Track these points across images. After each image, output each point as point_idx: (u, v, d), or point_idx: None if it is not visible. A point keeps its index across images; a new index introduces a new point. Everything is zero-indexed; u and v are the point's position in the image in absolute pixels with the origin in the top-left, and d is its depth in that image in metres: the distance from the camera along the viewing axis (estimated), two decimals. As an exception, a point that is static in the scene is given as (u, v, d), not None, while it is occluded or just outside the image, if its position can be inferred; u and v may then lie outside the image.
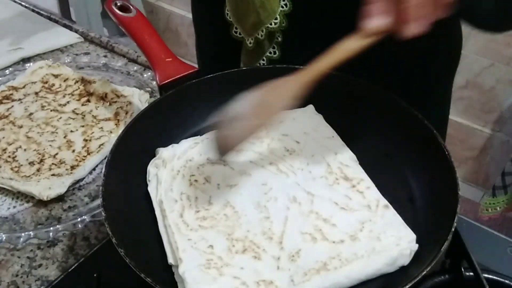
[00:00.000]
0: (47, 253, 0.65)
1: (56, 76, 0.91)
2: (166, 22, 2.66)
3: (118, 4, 0.75)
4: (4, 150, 0.76)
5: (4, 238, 0.65)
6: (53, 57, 0.99)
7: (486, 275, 0.55)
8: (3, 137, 0.78)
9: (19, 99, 0.86)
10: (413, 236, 0.51)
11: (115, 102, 0.85)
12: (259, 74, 0.70)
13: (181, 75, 0.68)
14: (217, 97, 0.68)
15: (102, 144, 0.77)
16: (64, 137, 0.78)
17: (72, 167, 0.73)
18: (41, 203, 0.70)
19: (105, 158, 0.66)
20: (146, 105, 0.81)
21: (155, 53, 0.70)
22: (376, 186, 0.57)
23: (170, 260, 0.51)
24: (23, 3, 1.16)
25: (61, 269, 0.62)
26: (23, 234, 0.65)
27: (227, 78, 0.69)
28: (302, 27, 0.70)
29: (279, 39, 0.72)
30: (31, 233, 0.65)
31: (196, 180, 0.58)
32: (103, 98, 0.86)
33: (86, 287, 0.56)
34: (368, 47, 0.50)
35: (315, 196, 0.56)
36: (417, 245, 0.51)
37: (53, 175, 0.72)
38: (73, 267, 0.59)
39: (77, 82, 0.89)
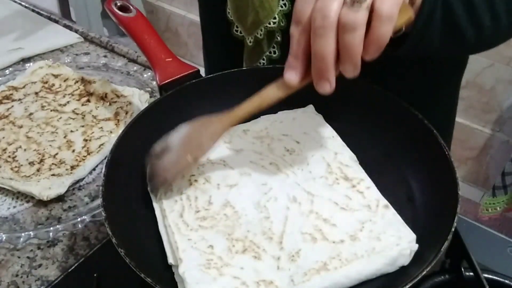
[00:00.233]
0: (47, 253, 0.65)
1: (56, 76, 0.91)
2: (166, 22, 2.66)
3: (118, 4, 0.75)
4: (4, 150, 0.76)
5: (4, 238, 0.65)
6: (53, 57, 0.99)
7: (486, 275, 0.55)
8: (3, 137, 0.78)
9: (19, 99, 0.86)
10: (413, 236, 0.51)
11: (115, 102, 0.85)
12: (259, 74, 0.70)
13: (181, 75, 0.68)
14: (217, 97, 0.69)
15: (102, 144, 0.77)
16: (64, 137, 0.78)
17: (72, 167, 0.73)
18: (41, 203, 0.70)
19: (105, 158, 0.66)
20: (146, 105, 0.81)
21: (155, 53, 0.70)
22: (376, 186, 0.57)
23: (170, 260, 0.51)
24: (23, 3, 1.16)
25: (61, 269, 0.62)
26: (23, 234, 0.65)
27: (227, 78, 0.69)
28: None
29: (279, 38, 0.72)
30: (31, 233, 0.65)
31: (196, 180, 0.58)
32: (103, 98, 0.86)
33: (86, 287, 0.55)
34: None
35: (315, 196, 0.56)
36: (417, 245, 0.51)
37: (53, 175, 0.72)
38: (73, 267, 0.59)
39: (77, 82, 0.89)
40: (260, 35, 0.72)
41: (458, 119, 0.90)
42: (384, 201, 0.55)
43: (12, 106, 0.84)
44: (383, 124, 0.63)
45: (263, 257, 0.50)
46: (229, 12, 0.74)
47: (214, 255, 0.50)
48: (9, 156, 0.75)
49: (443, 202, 0.53)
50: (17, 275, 0.62)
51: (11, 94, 0.87)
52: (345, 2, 0.45)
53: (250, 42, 0.73)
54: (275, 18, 0.69)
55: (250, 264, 0.49)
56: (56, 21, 1.11)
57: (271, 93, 0.52)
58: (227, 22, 0.75)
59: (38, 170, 0.72)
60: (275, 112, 0.66)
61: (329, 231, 0.52)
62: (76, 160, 0.74)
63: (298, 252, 0.50)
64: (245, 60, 0.77)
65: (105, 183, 0.55)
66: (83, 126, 0.80)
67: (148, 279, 0.45)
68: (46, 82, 0.89)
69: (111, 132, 0.79)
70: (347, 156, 0.60)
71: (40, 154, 0.75)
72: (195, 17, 2.49)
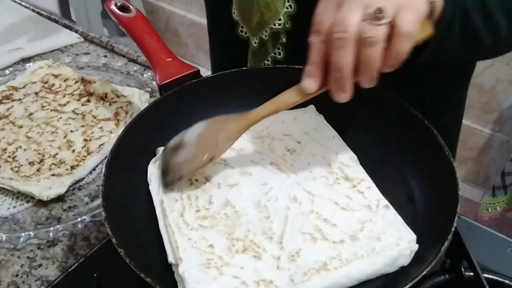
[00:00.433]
0: (47, 253, 0.65)
1: (56, 76, 0.91)
2: (166, 22, 2.66)
3: (118, 4, 0.75)
4: (4, 150, 0.76)
5: (4, 238, 0.65)
6: (53, 57, 0.99)
7: (486, 275, 0.55)
8: (3, 137, 0.78)
9: (19, 99, 0.86)
10: (413, 236, 0.51)
11: (115, 102, 0.85)
12: (259, 74, 0.71)
13: (181, 75, 0.68)
14: (217, 97, 0.69)
15: (102, 144, 0.77)
16: (64, 137, 0.78)
17: (72, 167, 0.73)
18: (41, 203, 0.70)
19: (105, 158, 0.66)
20: (146, 105, 0.81)
21: (155, 53, 0.70)
22: (376, 186, 0.57)
23: (170, 259, 0.51)
24: (23, 3, 1.16)
25: (61, 269, 0.62)
26: (23, 234, 0.65)
27: (227, 78, 0.69)
28: (306, 28, 0.70)
29: (284, 40, 0.72)
30: (31, 233, 0.65)
31: (196, 180, 0.58)
32: (103, 98, 0.86)
33: (86, 287, 0.55)
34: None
35: (316, 196, 0.56)
36: (417, 245, 0.51)
37: (53, 175, 0.72)
38: (73, 267, 0.59)
39: (77, 82, 0.89)
40: (265, 36, 0.72)
41: (458, 119, 0.90)
42: (384, 201, 0.55)
43: (12, 106, 0.84)
44: (383, 124, 0.63)
45: (263, 256, 0.50)
46: (234, 12, 0.74)
47: (214, 254, 0.50)
48: (9, 156, 0.75)
49: (443, 202, 0.53)
50: (17, 275, 0.62)
51: (11, 94, 0.87)
52: (366, 15, 0.45)
53: (255, 43, 0.73)
54: (280, 19, 0.69)
55: (250, 264, 0.49)
56: (56, 21, 1.11)
57: (288, 98, 0.53)
58: (232, 23, 0.75)
59: (38, 170, 0.72)
60: (275, 112, 0.66)
61: (329, 231, 0.52)
62: (76, 160, 0.74)
63: (298, 252, 0.50)
64: (249, 60, 0.77)
65: (105, 183, 0.55)
66: (83, 126, 0.80)
67: (148, 279, 0.45)
68: (46, 82, 0.89)
69: (111, 132, 0.79)
70: (347, 156, 0.60)
71: (40, 154, 0.75)
72: (195, 17, 2.49)
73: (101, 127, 0.80)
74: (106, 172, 0.56)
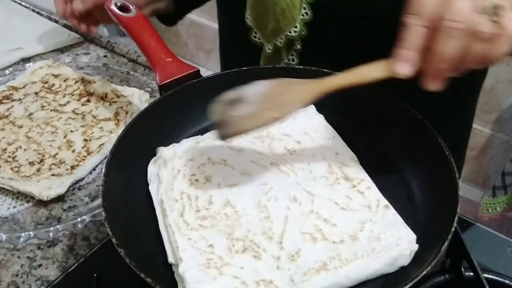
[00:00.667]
0: (47, 253, 0.65)
1: (56, 76, 0.91)
2: (166, 22, 2.66)
3: (118, 4, 0.75)
4: (4, 150, 0.76)
5: (4, 238, 0.65)
6: (53, 57, 0.99)
7: (486, 275, 0.54)
8: (3, 137, 0.78)
9: (19, 99, 0.86)
10: (413, 236, 0.51)
11: (115, 102, 0.85)
12: (259, 74, 0.70)
13: (181, 75, 0.68)
14: (217, 97, 0.69)
15: (102, 144, 0.77)
16: (64, 137, 0.78)
17: (72, 167, 0.73)
18: (41, 203, 0.70)
19: (105, 158, 0.66)
20: (146, 105, 0.81)
21: (155, 53, 0.70)
22: (376, 186, 0.57)
23: (170, 259, 0.51)
24: (23, 3, 1.16)
25: (61, 269, 0.62)
26: (23, 234, 0.65)
27: (227, 78, 0.69)
28: (322, 36, 0.69)
29: (298, 46, 0.71)
30: (31, 233, 0.65)
31: (196, 180, 0.58)
32: (103, 98, 0.86)
33: (86, 287, 0.55)
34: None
35: (316, 196, 0.56)
36: (417, 245, 0.51)
37: (53, 175, 0.72)
38: (73, 267, 0.59)
39: (77, 82, 0.89)
40: (280, 43, 0.71)
41: (458, 119, 0.90)
42: (384, 201, 0.55)
43: (12, 106, 0.84)
44: (383, 124, 0.63)
45: (263, 256, 0.50)
46: (247, 18, 0.73)
47: (214, 254, 0.50)
48: (9, 156, 0.75)
49: (443, 202, 0.53)
50: (17, 275, 0.62)
51: (11, 94, 0.87)
52: (481, 9, 0.44)
53: (269, 49, 0.72)
54: (296, 26, 0.68)
55: (250, 264, 0.49)
56: (56, 21, 1.11)
57: (371, 72, 0.51)
58: (245, 27, 0.74)
59: (38, 170, 0.72)
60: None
61: (329, 231, 0.52)
62: (76, 160, 0.74)
63: (298, 252, 0.50)
64: (261, 65, 0.76)
65: (105, 183, 0.55)
66: (83, 126, 0.80)
67: (148, 279, 0.45)
68: (46, 82, 0.89)
69: (111, 132, 0.79)
70: (347, 156, 0.60)
71: (40, 154, 0.75)
72: (195, 17, 2.49)
73: (101, 127, 0.80)
74: (106, 172, 0.56)
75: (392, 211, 0.54)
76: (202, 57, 2.61)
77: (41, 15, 1.13)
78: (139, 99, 0.85)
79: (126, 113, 0.82)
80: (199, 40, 2.55)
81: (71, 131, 0.79)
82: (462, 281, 0.55)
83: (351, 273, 0.49)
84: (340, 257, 0.49)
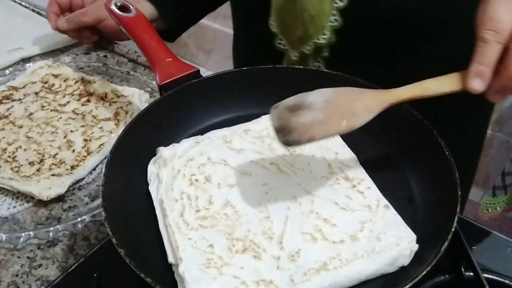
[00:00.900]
0: (47, 253, 0.65)
1: (56, 76, 0.91)
2: (166, 22, 2.65)
3: (118, 4, 0.75)
4: (4, 150, 0.76)
5: (4, 238, 0.65)
6: (53, 57, 0.99)
7: (486, 275, 0.54)
8: (3, 137, 0.78)
9: (19, 99, 0.86)
10: (413, 236, 0.51)
11: (115, 102, 0.85)
12: (259, 74, 0.70)
13: (181, 75, 0.68)
14: (217, 97, 0.69)
15: (102, 144, 0.77)
16: (64, 137, 0.78)
17: (72, 167, 0.73)
18: (41, 203, 0.70)
19: (105, 158, 0.66)
20: (146, 105, 0.81)
21: (155, 53, 0.70)
22: (376, 186, 0.57)
23: (170, 259, 0.51)
24: (23, 3, 1.16)
25: (61, 269, 0.62)
26: (23, 234, 0.65)
27: (227, 78, 0.69)
28: (350, 43, 0.68)
29: (326, 53, 0.70)
30: (31, 233, 0.65)
31: (196, 180, 0.58)
32: (103, 98, 0.86)
33: (86, 287, 0.55)
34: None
35: (316, 196, 0.56)
36: (417, 245, 0.51)
37: (53, 175, 0.71)
38: (73, 267, 0.59)
39: (77, 82, 0.89)
40: (308, 50, 0.70)
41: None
42: (384, 201, 0.55)
43: (12, 106, 0.84)
44: (383, 124, 0.63)
45: (263, 256, 0.50)
46: (272, 24, 0.71)
47: (214, 254, 0.50)
48: (9, 156, 0.75)
49: (443, 202, 0.53)
50: (17, 275, 0.62)
51: (11, 94, 0.87)
52: None
53: (294, 56, 0.71)
54: (325, 33, 0.67)
55: (250, 264, 0.49)
56: (56, 21, 1.11)
57: (437, 85, 0.51)
58: (266, 34, 0.73)
59: (38, 170, 0.72)
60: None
61: (329, 231, 0.52)
62: (76, 160, 0.74)
63: (298, 252, 0.50)
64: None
65: (105, 183, 0.55)
66: (83, 126, 0.80)
67: (148, 279, 0.45)
68: (46, 82, 0.89)
69: (111, 132, 0.79)
70: (347, 156, 0.60)
71: (40, 154, 0.75)
72: (195, 17, 2.48)
73: (101, 127, 0.80)
74: (106, 172, 0.56)
75: (392, 211, 0.54)
76: (202, 57, 2.61)
77: (41, 15, 1.13)
78: (139, 99, 0.85)
79: (126, 113, 0.82)
80: (199, 40, 2.55)
81: (71, 131, 0.79)
82: (462, 281, 0.55)
83: (351, 273, 0.49)
84: (340, 257, 0.49)
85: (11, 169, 0.72)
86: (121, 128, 0.78)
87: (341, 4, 0.65)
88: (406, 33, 0.67)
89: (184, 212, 0.54)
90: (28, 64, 0.96)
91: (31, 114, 0.83)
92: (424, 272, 0.45)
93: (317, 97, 0.52)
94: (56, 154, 0.75)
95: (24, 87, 0.88)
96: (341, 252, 0.50)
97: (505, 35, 0.46)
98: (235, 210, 0.54)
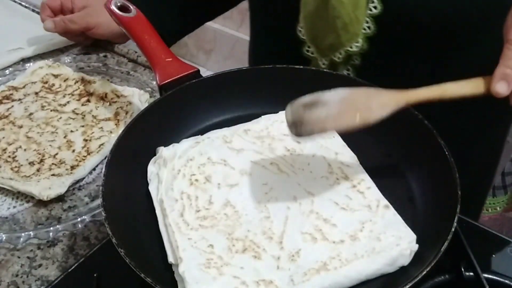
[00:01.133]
0: (47, 253, 0.65)
1: (56, 76, 0.91)
2: (166, 22, 2.65)
3: (118, 4, 0.75)
4: (4, 150, 0.76)
5: (4, 238, 0.65)
6: (53, 57, 0.99)
7: (486, 275, 0.54)
8: (3, 137, 0.78)
9: (19, 99, 0.86)
10: (413, 236, 0.51)
11: (115, 102, 0.85)
12: (259, 74, 0.70)
13: (181, 75, 0.68)
14: (217, 97, 0.69)
15: (102, 144, 0.77)
16: (64, 137, 0.78)
17: (72, 167, 0.73)
18: (41, 203, 0.70)
19: (105, 158, 0.66)
20: (146, 105, 0.81)
21: (155, 53, 0.70)
22: (376, 186, 0.57)
23: (170, 259, 0.51)
24: (23, 3, 1.16)
25: (61, 269, 0.62)
26: (23, 234, 0.65)
27: (227, 78, 0.69)
28: (382, 51, 0.67)
29: (357, 61, 0.69)
30: (31, 233, 0.65)
31: (196, 180, 0.58)
32: (103, 98, 0.86)
33: (86, 287, 0.55)
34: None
35: (316, 196, 0.56)
36: (417, 245, 0.51)
37: (53, 175, 0.71)
38: (73, 267, 0.59)
39: (77, 82, 0.89)
40: (339, 58, 0.68)
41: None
42: (384, 201, 0.55)
43: (12, 106, 0.84)
44: (383, 124, 0.63)
45: (263, 256, 0.50)
46: (300, 31, 0.70)
47: (214, 254, 0.50)
48: (9, 156, 0.75)
49: (443, 202, 0.53)
50: (17, 275, 0.62)
51: (11, 94, 0.87)
52: None
53: (323, 64, 0.70)
54: (357, 41, 0.66)
55: (250, 264, 0.49)
56: (56, 21, 1.11)
57: (457, 88, 0.51)
58: (292, 40, 0.71)
59: (38, 170, 0.72)
60: (276, 112, 0.66)
61: (329, 231, 0.52)
62: (76, 160, 0.74)
63: (298, 252, 0.50)
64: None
65: (105, 183, 0.55)
66: (83, 126, 0.80)
67: (148, 279, 0.45)
68: (46, 82, 0.89)
69: (111, 132, 0.79)
70: (347, 156, 0.60)
71: (40, 154, 0.75)
72: (195, 17, 2.48)
73: (101, 127, 0.80)
74: (106, 172, 0.56)
75: (392, 211, 0.54)
76: (202, 57, 2.61)
77: (40, 8, 1.13)
78: (139, 99, 0.85)
79: (126, 113, 0.82)
80: (199, 40, 2.55)
81: (71, 131, 0.79)
82: (462, 281, 0.55)
83: (351, 273, 0.49)
84: (340, 257, 0.49)
85: (11, 169, 0.73)
86: (121, 128, 0.78)
87: (375, 11, 0.64)
88: (438, 41, 0.66)
89: (184, 212, 0.54)
90: (28, 64, 0.96)
91: (31, 114, 0.83)
92: (424, 272, 0.45)
93: (334, 95, 0.52)
94: (56, 154, 0.75)
95: (24, 87, 0.88)
96: (341, 252, 0.50)
97: None
98: (235, 210, 0.54)
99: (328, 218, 0.53)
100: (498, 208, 1.68)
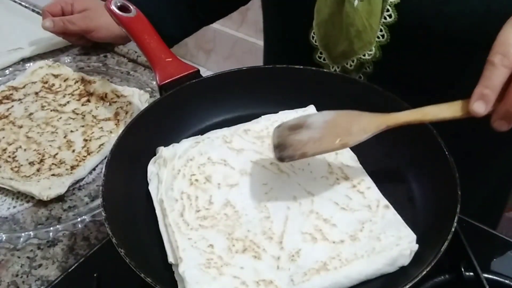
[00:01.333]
0: (47, 253, 0.65)
1: (56, 76, 0.91)
2: (166, 22, 2.65)
3: (118, 4, 0.75)
4: (4, 150, 0.76)
5: (4, 238, 0.65)
6: (53, 57, 0.99)
7: (486, 275, 0.54)
8: (3, 137, 0.78)
9: (19, 99, 0.86)
10: (413, 236, 0.51)
11: (115, 102, 0.85)
12: (259, 74, 0.70)
13: (181, 75, 0.68)
14: (217, 97, 0.69)
15: (102, 144, 0.77)
16: (64, 137, 0.78)
17: (72, 167, 0.73)
18: (41, 203, 0.70)
19: (105, 158, 0.66)
20: (146, 105, 0.81)
21: (155, 53, 0.70)
22: (376, 186, 0.57)
23: (170, 259, 0.51)
24: (23, 3, 1.16)
25: (61, 269, 0.62)
26: (23, 234, 0.65)
27: (227, 78, 0.69)
28: (396, 59, 0.67)
29: (369, 69, 0.69)
30: (31, 233, 0.65)
31: (196, 180, 0.58)
32: (103, 98, 0.86)
33: (86, 287, 0.55)
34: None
35: (316, 196, 0.56)
36: (417, 245, 0.51)
37: (53, 175, 0.72)
38: (73, 267, 0.59)
39: (77, 82, 0.89)
40: (351, 66, 0.68)
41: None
42: (384, 201, 0.55)
43: (12, 106, 0.84)
44: (383, 124, 0.63)
45: (263, 256, 0.50)
46: (313, 37, 0.70)
47: (214, 254, 0.50)
48: (9, 156, 0.75)
49: (443, 202, 0.53)
50: (17, 275, 0.62)
51: (11, 94, 0.87)
52: None
53: (335, 71, 0.70)
54: (370, 50, 0.66)
55: (250, 264, 0.49)
56: (56, 21, 1.11)
57: (437, 111, 0.52)
58: (308, 47, 0.71)
59: (38, 170, 0.72)
60: (276, 112, 0.66)
61: (329, 231, 0.52)
62: (76, 160, 0.74)
63: (298, 252, 0.50)
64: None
65: (105, 183, 0.55)
66: (83, 126, 0.80)
67: (148, 279, 0.45)
68: (46, 82, 0.89)
69: (111, 132, 0.79)
70: (347, 156, 0.60)
71: (40, 154, 0.75)
72: (195, 17, 2.49)
73: (101, 127, 0.80)
74: (106, 172, 0.56)
75: (392, 211, 0.54)
76: (202, 57, 2.61)
77: (41, 15, 1.13)
78: (139, 99, 0.85)
79: (126, 113, 0.82)
80: (199, 40, 2.55)
81: (71, 131, 0.79)
82: (462, 281, 0.55)
83: (351, 273, 0.49)
84: (340, 257, 0.49)
85: (11, 169, 0.73)
86: (121, 128, 0.78)
87: (390, 20, 0.64)
88: (452, 51, 0.65)
89: (184, 212, 0.54)
90: (28, 64, 0.96)
91: (31, 114, 0.83)
92: (424, 272, 0.45)
93: (318, 118, 0.55)
94: (56, 154, 0.75)
95: (24, 87, 0.88)
96: (341, 252, 0.50)
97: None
98: (235, 210, 0.54)
99: (328, 218, 0.53)
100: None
